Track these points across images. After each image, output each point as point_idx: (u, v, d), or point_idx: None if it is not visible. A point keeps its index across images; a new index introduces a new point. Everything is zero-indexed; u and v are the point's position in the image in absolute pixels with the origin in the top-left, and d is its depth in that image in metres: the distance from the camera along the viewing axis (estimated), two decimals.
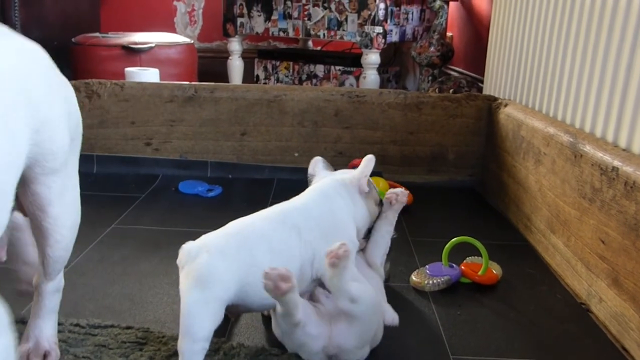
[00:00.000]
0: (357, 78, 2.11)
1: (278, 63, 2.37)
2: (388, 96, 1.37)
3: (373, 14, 1.94)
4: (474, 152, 1.39)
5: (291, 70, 2.34)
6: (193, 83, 1.41)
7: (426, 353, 0.74)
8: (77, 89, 1.38)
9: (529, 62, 1.21)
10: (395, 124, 1.38)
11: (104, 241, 1.02)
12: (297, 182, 1.42)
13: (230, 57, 2.44)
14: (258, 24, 2.27)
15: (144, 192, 1.29)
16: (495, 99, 1.36)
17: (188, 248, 0.66)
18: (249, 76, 2.55)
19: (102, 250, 0.99)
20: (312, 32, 2.12)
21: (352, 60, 2.18)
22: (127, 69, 1.72)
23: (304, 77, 2.29)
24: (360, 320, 0.67)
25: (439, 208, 1.28)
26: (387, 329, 0.73)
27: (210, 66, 2.81)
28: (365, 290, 0.67)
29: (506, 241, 1.11)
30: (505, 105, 1.29)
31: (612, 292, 0.80)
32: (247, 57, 2.53)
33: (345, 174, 0.80)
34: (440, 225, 1.18)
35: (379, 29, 1.96)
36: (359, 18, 1.98)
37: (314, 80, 2.26)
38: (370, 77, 2.01)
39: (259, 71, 2.44)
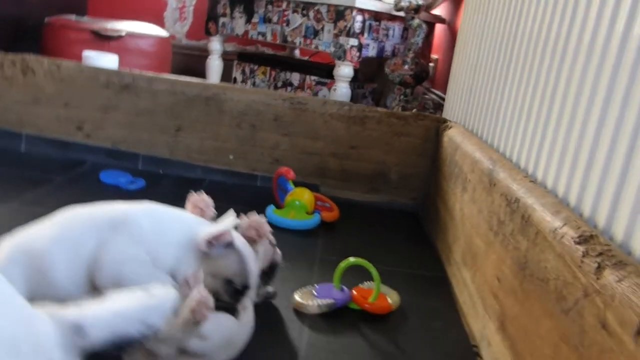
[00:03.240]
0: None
1: (256, 67, 2.32)
2: (332, 106, 1.30)
3: (349, 25, 1.88)
4: (419, 174, 1.32)
5: (268, 76, 2.28)
6: (132, 71, 1.35)
7: None
8: (13, 63, 1.32)
9: (477, 88, 1.14)
10: (338, 136, 1.31)
11: None
12: (229, 186, 1.35)
13: (209, 56, 2.39)
14: (239, 25, 2.22)
15: (63, 176, 1.22)
16: (445, 121, 1.29)
17: None
18: (228, 77, 2.50)
19: None
20: (288, 39, 2.06)
21: (327, 71, 2.11)
22: (85, 52, 1.66)
23: (279, 84, 2.23)
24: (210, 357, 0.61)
25: (370, 229, 1.20)
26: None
27: (196, 64, 2.76)
28: (216, 327, 0.61)
29: (427, 272, 1.03)
30: (450, 128, 1.21)
31: (498, 337, 0.71)
32: (232, 59, 2.48)
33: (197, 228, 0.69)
34: (361, 247, 1.10)
35: (353, 42, 1.89)
36: (334, 28, 1.92)
37: (289, 88, 2.20)
38: (341, 90, 1.95)
39: (237, 73, 2.38)
